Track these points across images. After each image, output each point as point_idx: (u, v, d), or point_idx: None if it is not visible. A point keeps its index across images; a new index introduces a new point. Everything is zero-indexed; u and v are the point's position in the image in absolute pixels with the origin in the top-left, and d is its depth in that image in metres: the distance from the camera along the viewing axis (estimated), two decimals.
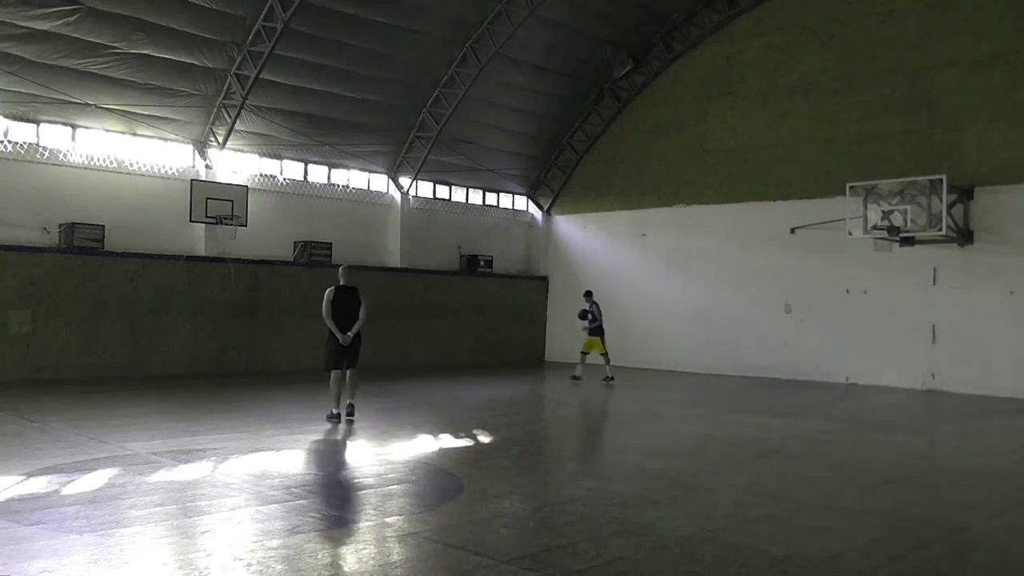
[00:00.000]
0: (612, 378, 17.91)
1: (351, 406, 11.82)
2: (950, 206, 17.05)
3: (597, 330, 18.09)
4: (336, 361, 11.64)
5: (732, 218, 21.41)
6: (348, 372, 11.74)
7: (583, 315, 18.26)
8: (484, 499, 7.46)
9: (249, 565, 5.36)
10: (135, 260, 17.42)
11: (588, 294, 18.69)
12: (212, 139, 18.66)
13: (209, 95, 18.11)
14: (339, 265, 12.45)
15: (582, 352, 18.43)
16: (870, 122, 19.29)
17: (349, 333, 11.57)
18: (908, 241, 17.41)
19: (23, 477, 7.76)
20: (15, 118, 16.30)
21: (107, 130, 17.40)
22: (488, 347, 23.82)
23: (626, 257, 23.68)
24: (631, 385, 18.55)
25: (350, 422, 11.61)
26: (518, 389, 17.21)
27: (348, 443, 10.41)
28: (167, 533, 6.13)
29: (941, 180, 16.59)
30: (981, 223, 17.71)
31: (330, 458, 9.53)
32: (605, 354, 18.16)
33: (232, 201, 18.30)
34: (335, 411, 11.60)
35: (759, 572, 5.49)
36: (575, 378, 18.08)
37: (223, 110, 18.33)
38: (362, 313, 11.74)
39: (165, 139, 18.20)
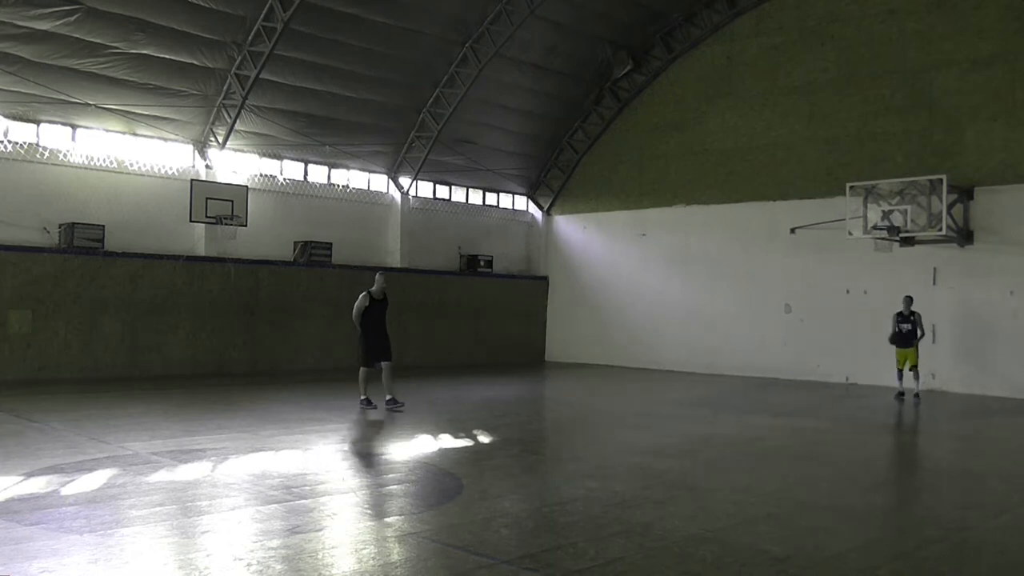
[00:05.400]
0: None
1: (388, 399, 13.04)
2: (950, 206, 17.05)
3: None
4: None
5: (732, 218, 21.41)
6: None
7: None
8: (484, 499, 7.46)
9: (249, 565, 5.35)
10: (135, 260, 17.43)
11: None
12: (212, 139, 18.66)
13: (209, 95, 18.11)
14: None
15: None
16: (870, 122, 19.29)
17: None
18: (908, 241, 17.42)
19: (23, 477, 7.75)
20: (15, 118, 16.30)
21: (107, 130, 17.40)
22: (488, 347, 23.80)
23: (626, 257, 23.67)
24: (632, 385, 18.53)
25: (388, 410, 12.89)
26: (518, 389, 17.20)
27: (348, 443, 10.42)
28: (167, 533, 6.13)
29: (941, 180, 16.60)
30: (981, 223, 17.71)
31: (330, 458, 9.52)
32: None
33: (232, 201, 18.31)
34: (388, 398, 13.07)
35: (759, 572, 5.48)
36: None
37: (223, 110, 18.33)
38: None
39: (165, 139, 18.20)
